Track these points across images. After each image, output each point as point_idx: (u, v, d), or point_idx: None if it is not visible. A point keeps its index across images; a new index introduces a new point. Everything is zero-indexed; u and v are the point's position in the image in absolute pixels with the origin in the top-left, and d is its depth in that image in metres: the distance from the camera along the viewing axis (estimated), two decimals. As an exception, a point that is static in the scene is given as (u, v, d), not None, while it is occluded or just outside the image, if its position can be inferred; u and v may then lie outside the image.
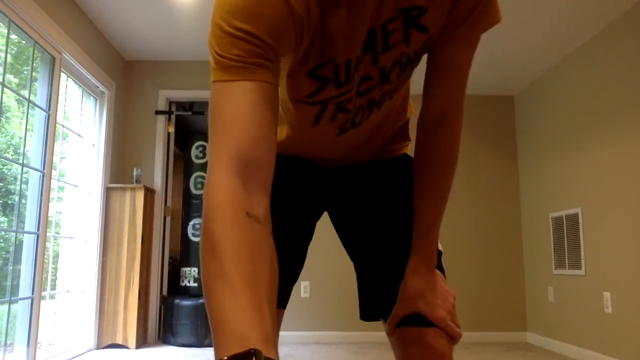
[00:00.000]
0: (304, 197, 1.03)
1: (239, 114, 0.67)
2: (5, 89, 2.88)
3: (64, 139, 3.81)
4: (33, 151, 3.21)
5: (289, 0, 0.68)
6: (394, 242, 0.98)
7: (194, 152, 4.61)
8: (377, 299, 0.98)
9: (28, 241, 3.12)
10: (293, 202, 1.00)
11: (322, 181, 1.05)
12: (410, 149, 1.11)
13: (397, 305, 0.92)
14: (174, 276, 5.14)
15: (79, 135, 4.03)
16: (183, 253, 4.50)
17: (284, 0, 0.68)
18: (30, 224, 3.12)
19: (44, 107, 3.27)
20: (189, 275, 4.37)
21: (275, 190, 0.80)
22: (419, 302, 0.90)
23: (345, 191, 1.05)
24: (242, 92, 0.67)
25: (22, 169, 3.08)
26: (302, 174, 1.03)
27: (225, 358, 0.52)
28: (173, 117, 4.78)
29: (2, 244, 3.00)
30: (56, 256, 3.80)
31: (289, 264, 0.82)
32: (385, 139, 1.05)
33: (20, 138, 3.16)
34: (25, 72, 3.21)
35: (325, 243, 4.65)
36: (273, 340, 0.56)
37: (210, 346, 4.10)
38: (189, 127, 6.19)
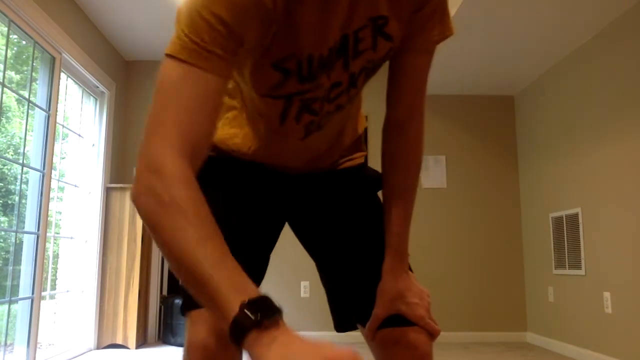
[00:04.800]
0: (264, 206, 1.00)
1: (195, 105, 0.69)
2: (5, 89, 2.88)
3: (64, 139, 3.81)
4: (33, 151, 3.21)
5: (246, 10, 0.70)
6: (361, 249, 0.99)
7: (194, 152, 4.61)
8: (353, 306, 0.98)
9: (28, 241, 3.12)
10: (253, 210, 0.98)
11: (283, 190, 1.04)
12: (376, 160, 1.13)
13: (377, 308, 0.93)
14: (174, 276, 5.14)
15: (79, 135, 4.03)
16: (183, 253, 4.49)
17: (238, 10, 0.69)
18: (30, 224, 3.12)
19: (44, 107, 3.27)
20: (189, 275, 4.37)
21: (235, 198, 0.89)
22: (399, 303, 0.93)
23: (307, 201, 1.05)
24: (202, 81, 0.69)
25: (22, 169, 3.08)
26: (263, 182, 1.02)
27: (246, 300, 0.56)
28: (173, 117, 4.77)
29: (2, 244, 3.00)
30: (56, 256, 3.80)
31: (249, 271, 0.75)
32: (345, 148, 1.07)
33: (20, 138, 3.16)
34: (25, 72, 3.21)
35: (325, 243, 4.64)
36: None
37: (210, 346, 4.10)
38: (189, 127, 6.19)
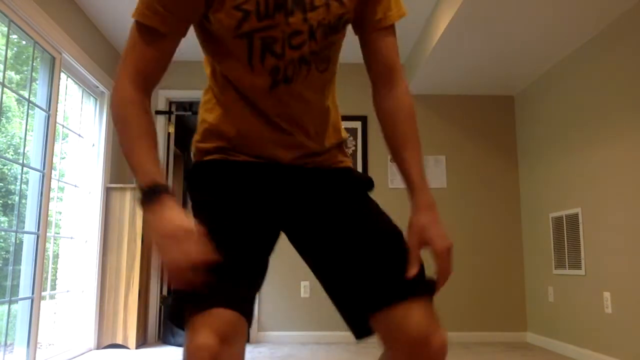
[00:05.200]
0: (260, 210, 1.03)
1: (146, 53, 0.97)
2: (5, 89, 2.88)
3: (64, 139, 3.81)
4: (33, 151, 3.21)
5: None
6: (359, 246, 1.01)
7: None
8: (361, 302, 0.99)
9: (28, 241, 3.12)
10: (249, 214, 1.02)
11: (277, 192, 1.07)
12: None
13: (409, 239, 1.00)
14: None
15: (79, 135, 4.03)
16: (183, 253, 4.49)
17: None
18: (30, 224, 3.12)
19: (44, 107, 3.27)
20: (189, 275, 4.37)
21: (231, 203, 1.01)
22: (429, 232, 0.99)
23: (301, 204, 1.08)
24: (149, 37, 0.96)
25: (22, 169, 3.08)
26: (257, 184, 1.06)
27: (146, 183, 0.91)
28: (173, 117, 4.78)
29: (2, 244, 3.00)
30: (56, 256, 3.80)
31: (246, 275, 0.92)
32: (330, 141, 1.12)
33: (20, 138, 3.16)
34: (25, 72, 3.21)
35: (325, 243, 4.64)
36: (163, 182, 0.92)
37: (210, 346, 4.10)
38: (189, 127, 6.18)
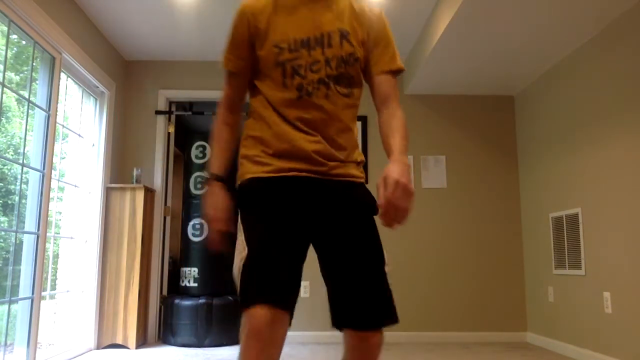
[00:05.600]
0: (294, 225, 1.32)
1: (229, 92, 1.49)
2: (5, 89, 2.88)
3: (64, 139, 3.81)
4: (33, 151, 3.21)
5: (250, 19, 1.42)
6: (360, 263, 1.31)
7: (194, 152, 4.61)
8: (349, 311, 1.28)
9: (28, 241, 3.12)
10: (290, 221, 1.31)
11: (307, 210, 1.35)
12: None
13: (388, 176, 1.22)
14: (174, 276, 5.14)
15: (79, 135, 4.03)
16: (183, 253, 4.50)
17: (245, 20, 1.43)
18: (30, 224, 3.12)
19: (44, 107, 3.27)
20: (189, 275, 4.37)
21: (273, 219, 1.29)
22: (390, 171, 1.22)
23: (324, 221, 1.36)
24: (231, 81, 1.48)
25: (22, 169, 3.08)
26: (291, 203, 1.34)
27: (208, 174, 1.42)
28: (173, 117, 4.78)
29: (2, 244, 3.00)
30: (56, 256, 3.80)
31: (288, 276, 1.24)
32: (348, 154, 1.42)
33: (20, 138, 3.16)
34: (25, 72, 3.21)
35: (325, 243, 4.63)
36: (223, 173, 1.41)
37: (210, 346, 4.11)
38: (189, 127, 6.18)
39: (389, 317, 1.28)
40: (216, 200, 1.37)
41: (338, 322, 1.31)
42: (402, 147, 1.32)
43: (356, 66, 1.41)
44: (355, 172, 1.42)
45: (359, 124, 4.69)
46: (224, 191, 1.39)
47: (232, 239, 1.37)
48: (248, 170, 1.39)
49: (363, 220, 1.36)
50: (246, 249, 1.26)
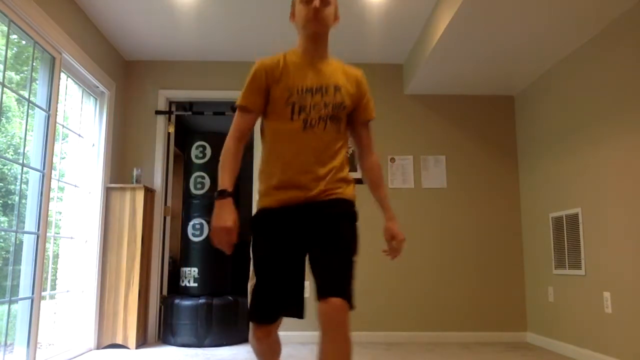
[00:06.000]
0: (295, 243, 1.80)
1: (242, 125, 1.83)
2: (5, 89, 2.88)
3: (64, 139, 3.81)
4: (33, 151, 3.21)
5: (268, 72, 1.85)
6: (338, 254, 1.73)
7: (194, 152, 4.61)
8: (321, 286, 1.67)
9: (28, 241, 3.12)
10: (288, 249, 1.79)
11: (301, 222, 1.79)
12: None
13: (386, 235, 1.97)
14: (174, 276, 5.14)
15: (79, 135, 4.03)
16: (183, 253, 4.50)
17: (264, 72, 1.85)
18: (30, 224, 3.12)
19: (44, 107, 3.27)
20: (189, 275, 4.37)
21: (276, 243, 1.78)
22: (393, 231, 1.94)
23: (317, 225, 1.77)
24: (243, 114, 1.84)
25: (22, 169, 3.08)
26: (289, 224, 1.80)
27: (218, 191, 1.72)
28: (173, 117, 4.78)
29: (2, 244, 3.00)
30: (56, 256, 3.80)
31: (287, 288, 1.79)
32: (337, 182, 1.85)
33: (20, 138, 3.16)
34: (25, 72, 3.21)
35: (325, 243, 4.62)
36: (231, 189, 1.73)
37: (210, 346, 4.11)
38: (189, 127, 6.19)
39: (344, 293, 1.63)
40: (226, 216, 1.69)
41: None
42: (389, 202, 2.04)
43: (344, 112, 1.89)
44: (340, 190, 1.85)
45: (359, 124, 4.71)
46: (232, 205, 1.72)
47: (235, 246, 1.75)
48: (260, 203, 1.86)
49: (340, 223, 1.79)
50: (253, 277, 1.79)
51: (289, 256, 1.77)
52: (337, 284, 1.64)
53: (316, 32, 1.85)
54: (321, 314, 1.60)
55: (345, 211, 1.82)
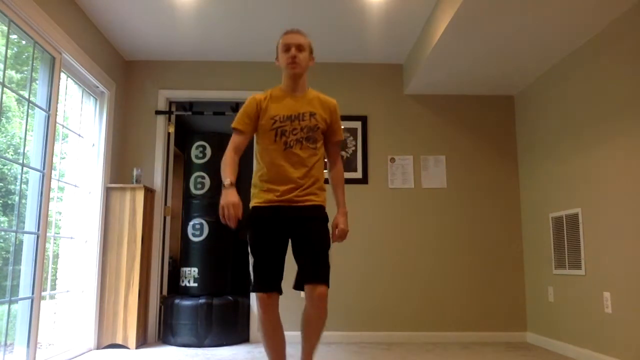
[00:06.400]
0: (278, 234, 2.33)
1: (236, 142, 2.37)
2: (5, 89, 2.88)
3: (64, 139, 3.81)
4: (33, 151, 3.21)
5: (258, 104, 2.39)
6: (315, 248, 2.29)
7: (194, 152, 4.61)
8: (306, 274, 2.27)
9: (28, 241, 3.12)
10: (273, 235, 2.33)
11: (285, 218, 2.32)
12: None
13: (333, 225, 2.38)
14: (174, 276, 5.14)
15: (79, 135, 4.03)
16: (183, 253, 4.50)
17: (254, 105, 2.39)
18: (30, 224, 3.12)
19: (44, 107, 3.27)
20: (189, 275, 4.37)
21: (266, 232, 2.31)
22: (339, 222, 2.38)
23: (297, 225, 2.32)
24: (239, 136, 2.38)
25: (22, 169, 3.08)
26: (275, 216, 2.33)
27: (226, 182, 2.24)
28: (173, 117, 4.78)
29: (2, 244, 3.00)
30: (56, 256, 3.80)
31: (275, 265, 2.33)
32: (313, 190, 2.37)
33: (20, 138, 3.16)
34: (25, 72, 3.21)
35: (325, 243, 4.63)
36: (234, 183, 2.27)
37: (210, 346, 4.11)
38: (189, 127, 6.18)
39: (324, 279, 2.24)
40: (233, 196, 2.20)
41: (299, 285, 2.29)
42: (344, 200, 2.48)
43: (318, 132, 2.39)
44: (314, 198, 2.36)
45: (359, 123, 4.71)
46: (236, 192, 2.24)
47: (239, 222, 2.23)
48: (252, 202, 2.39)
49: (315, 226, 2.33)
50: (251, 256, 2.33)
51: (274, 242, 2.32)
52: (319, 273, 2.24)
53: (294, 73, 2.38)
54: (309, 293, 2.24)
55: (319, 215, 2.36)
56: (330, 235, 2.35)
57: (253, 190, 2.39)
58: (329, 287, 2.26)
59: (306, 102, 2.40)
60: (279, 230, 2.32)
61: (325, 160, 2.49)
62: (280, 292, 2.30)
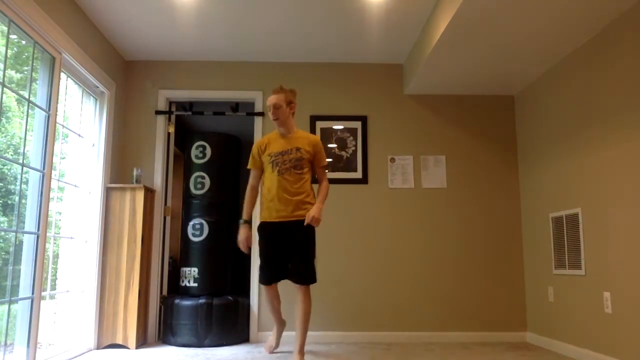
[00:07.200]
0: (276, 239, 3.36)
1: (252, 177, 3.54)
2: (5, 89, 2.88)
3: (64, 139, 3.81)
4: (33, 151, 3.21)
5: (259, 147, 3.50)
6: (301, 251, 3.30)
7: (194, 152, 4.61)
8: (295, 277, 3.30)
9: (28, 241, 3.12)
10: (272, 241, 3.38)
11: (281, 232, 3.33)
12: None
13: (307, 214, 3.29)
14: (174, 276, 5.14)
15: (79, 135, 4.03)
16: (183, 253, 4.50)
17: (257, 148, 3.51)
18: (30, 224, 3.12)
19: (44, 107, 3.27)
20: (189, 275, 4.37)
21: (268, 239, 3.41)
22: (312, 211, 3.27)
23: (288, 235, 3.31)
24: (254, 172, 3.54)
25: (22, 169, 3.08)
26: (274, 231, 3.35)
27: (242, 220, 3.49)
28: (173, 117, 4.77)
29: (2, 244, 3.00)
30: (56, 256, 3.80)
31: (278, 270, 3.43)
32: (300, 205, 3.31)
33: (20, 138, 3.16)
34: (25, 72, 3.21)
35: (325, 245, 4.65)
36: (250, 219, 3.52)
37: (210, 346, 4.11)
38: (189, 127, 6.18)
39: (311, 280, 3.27)
40: (243, 234, 3.43)
41: (278, 278, 3.37)
42: (321, 199, 3.32)
43: (304, 161, 3.35)
44: (303, 212, 3.30)
45: (359, 124, 4.71)
46: (248, 227, 3.43)
47: (249, 250, 3.41)
48: (260, 217, 3.43)
49: (302, 236, 3.28)
50: (259, 258, 3.41)
51: (275, 249, 3.36)
52: (305, 276, 3.27)
53: (278, 125, 3.44)
54: (299, 291, 3.29)
55: (307, 228, 3.29)
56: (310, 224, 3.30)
57: (260, 208, 3.47)
58: (314, 282, 3.32)
59: (294, 140, 3.41)
60: (277, 240, 3.34)
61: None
62: (277, 281, 3.43)
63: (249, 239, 3.39)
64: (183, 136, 5.31)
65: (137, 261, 4.09)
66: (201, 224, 4.44)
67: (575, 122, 3.78)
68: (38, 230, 3.15)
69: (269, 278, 3.37)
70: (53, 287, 3.77)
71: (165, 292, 4.59)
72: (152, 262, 4.41)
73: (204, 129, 6.30)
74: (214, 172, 4.54)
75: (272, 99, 3.38)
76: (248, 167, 3.48)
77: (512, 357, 3.69)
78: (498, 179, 4.71)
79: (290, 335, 4.36)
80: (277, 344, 3.77)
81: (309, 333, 4.39)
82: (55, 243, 3.72)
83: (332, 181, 4.61)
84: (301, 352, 3.25)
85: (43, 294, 3.24)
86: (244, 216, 3.42)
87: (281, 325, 3.75)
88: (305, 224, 3.22)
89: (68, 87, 3.83)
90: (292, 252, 3.28)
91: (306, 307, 3.24)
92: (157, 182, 4.55)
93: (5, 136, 3.11)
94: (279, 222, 3.30)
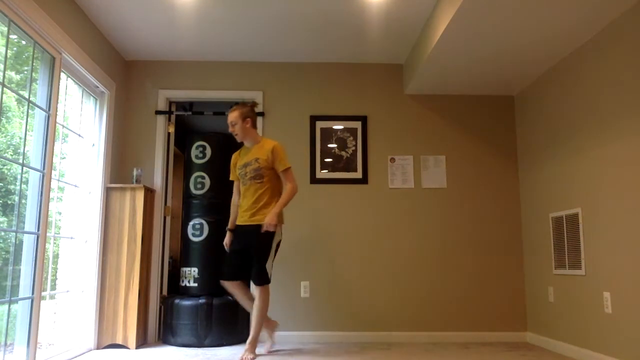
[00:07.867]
0: (239, 241, 3.74)
1: (235, 188, 3.91)
2: (5, 89, 2.88)
3: (64, 139, 3.81)
4: (33, 151, 3.21)
5: (234, 160, 3.88)
6: (255, 257, 3.63)
7: (194, 152, 4.61)
8: (248, 272, 3.70)
9: (28, 241, 3.12)
10: (235, 242, 3.77)
11: (241, 235, 3.73)
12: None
13: (265, 219, 3.60)
14: (174, 276, 5.14)
15: (79, 135, 4.03)
16: (183, 253, 4.50)
17: (233, 161, 3.89)
18: (30, 224, 3.12)
19: (44, 107, 3.27)
20: (189, 275, 4.37)
21: (235, 240, 3.79)
22: (267, 216, 3.58)
23: (247, 238, 3.68)
24: (235, 184, 3.91)
25: (22, 169, 3.08)
26: (237, 234, 3.76)
27: (227, 227, 3.89)
28: (173, 117, 4.77)
29: (2, 244, 2.99)
30: (56, 256, 3.80)
31: (240, 267, 3.75)
32: (260, 211, 3.64)
33: (20, 138, 3.16)
34: (25, 72, 3.21)
35: (325, 245, 4.65)
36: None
37: (210, 346, 4.11)
38: (189, 127, 6.19)
39: (262, 282, 3.57)
40: (230, 238, 3.79)
41: (236, 276, 3.68)
42: (280, 203, 3.61)
43: (262, 170, 3.64)
44: (259, 218, 3.61)
45: (359, 123, 4.71)
46: (231, 233, 3.79)
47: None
48: (237, 221, 3.77)
49: (257, 241, 3.58)
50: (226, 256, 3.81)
51: (235, 250, 3.71)
52: (256, 277, 3.57)
53: (239, 140, 3.78)
54: (256, 291, 3.58)
55: (265, 233, 3.57)
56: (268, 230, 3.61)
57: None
58: (265, 284, 3.60)
59: (255, 151, 3.70)
60: (239, 242, 3.71)
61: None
62: (239, 279, 3.69)
63: (228, 242, 3.82)
64: (183, 136, 5.31)
65: (137, 261, 4.09)
66: (201, 224, 4.44)
67: (575, 122, 3.78)
68: (38, 230, 3.15)
69: (226, 274, 3.68)
70: (53, 287, 3.77)
71: (165, 292, 4.59)
72: (152, 262, 4.41)
73: (204, 129, 6.30)
74: (214, 172, 4.54)
75: (228, 118, 3.71)
76: (230, 178, 3.90)
77: (512, 357, 3.69)
78: (498, 179, 4.71)
79: (293, 335, 4.36)
80: (273, 342, 3.98)
81: (308, 333, 4.39)
82: (55, 243, 3.72)
83: (333, 181, 4.61)
84: (252, 343, 3.55)
85: (43, 294, 3.24)
86: (229, 225, 3.83)
87: (270, 325, 3.95)
88: (262, 230, 3.55)
89: (68, 87, 3.83)
90: (251, 255, 3.64)
91: (259, 303, 3.56)
92: (157, 182, 4.55)
93: (5, 136, 3.11)
94: (241, 226, 3.68)
